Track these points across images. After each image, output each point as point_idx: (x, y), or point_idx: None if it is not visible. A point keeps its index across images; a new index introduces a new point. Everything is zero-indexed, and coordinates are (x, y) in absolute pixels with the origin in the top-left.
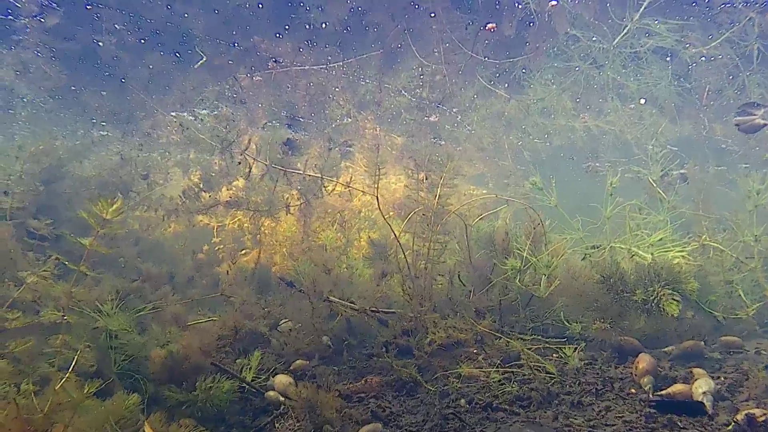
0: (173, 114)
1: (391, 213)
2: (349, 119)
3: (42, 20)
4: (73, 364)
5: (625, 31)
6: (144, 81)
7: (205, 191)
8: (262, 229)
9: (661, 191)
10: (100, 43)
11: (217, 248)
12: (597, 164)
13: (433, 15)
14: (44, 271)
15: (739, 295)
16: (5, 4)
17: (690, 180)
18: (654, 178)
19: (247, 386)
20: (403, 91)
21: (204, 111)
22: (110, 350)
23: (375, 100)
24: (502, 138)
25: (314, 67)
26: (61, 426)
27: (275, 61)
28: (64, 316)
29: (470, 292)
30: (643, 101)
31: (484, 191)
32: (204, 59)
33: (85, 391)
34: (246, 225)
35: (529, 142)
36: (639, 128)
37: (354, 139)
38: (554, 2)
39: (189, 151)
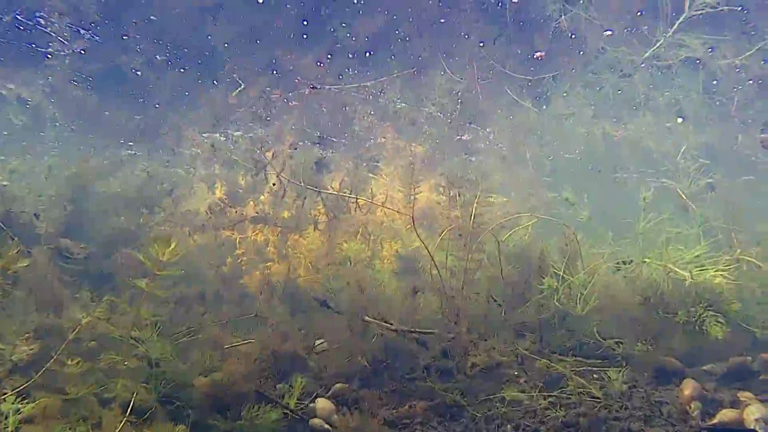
0: (205, 135)
1: (409, 225)
2: (383, 139)
3: (74, 44)
4: (131, 405)
5: (657, 45)
6: (168, 98)
7: (230, 206)
8: (288, 243)
9: (691, 203)
10: (138, 72)
11: (239, 260)
12: (625, 176)
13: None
14: (99, 311)
15: None
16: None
17: (717, 189)
18: (685, 192)
19: (290, 413)
20: (435, 108)
21: (237, 132)
22: (151, 378)
23: (409, 120)
24: (523, 148)
25: (351, 86)
26: None
27: (313, 87)
28: (125, 362)
29: (504, 309)
30: (680, 120)
31: (505, 199)
32: (242, 87)
33: None
34: (272, 238)
35: (550, 152)
36: (667, 139)
37: (381, 153)
38: (540, 53)
39: (213, 166)
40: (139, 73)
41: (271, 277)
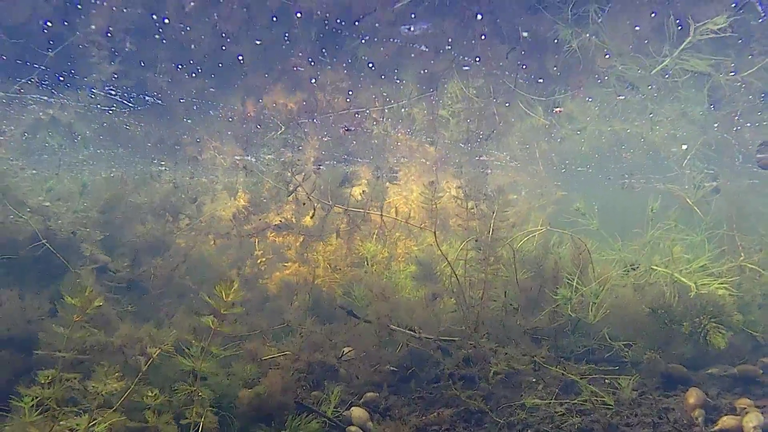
0: (237, 158)
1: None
2: (405, 159)
3: (108, 68)
4: (201, 427)
5: (664, 63)
6: (194, 116)
7: (254, 214)
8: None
9: (697, 209)
10: (189, 121)
11: (259, 261)
12: (633, 181)
13: None
14: (166, 346)
15: None
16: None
17: (722, 194)
18: (691, 198)
19: (327, 421)
20: (452, 123)
21: (269, 156)
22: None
23: (425, 133)
24: (534, 147)
25: (374, 110)
26: None
27: (347, 130)
28: (198, 391)
29: (519, 315)
30: (684, 146)
31: (515, 196)
32: (283, 129)
33: None
34: (294, 244)
35: (562, 166)
36: (673, 148)
37: (398, 165)
38: (558, 109)
39: (237, 175)
40: (192, 111)
41: (294, 284)
